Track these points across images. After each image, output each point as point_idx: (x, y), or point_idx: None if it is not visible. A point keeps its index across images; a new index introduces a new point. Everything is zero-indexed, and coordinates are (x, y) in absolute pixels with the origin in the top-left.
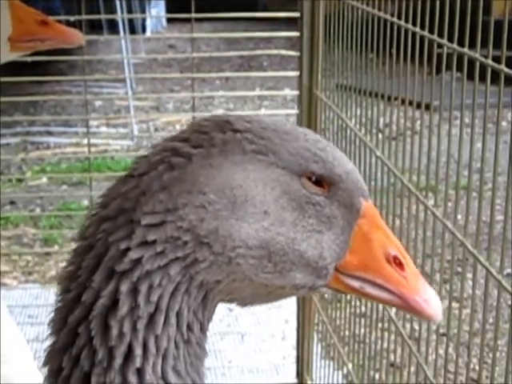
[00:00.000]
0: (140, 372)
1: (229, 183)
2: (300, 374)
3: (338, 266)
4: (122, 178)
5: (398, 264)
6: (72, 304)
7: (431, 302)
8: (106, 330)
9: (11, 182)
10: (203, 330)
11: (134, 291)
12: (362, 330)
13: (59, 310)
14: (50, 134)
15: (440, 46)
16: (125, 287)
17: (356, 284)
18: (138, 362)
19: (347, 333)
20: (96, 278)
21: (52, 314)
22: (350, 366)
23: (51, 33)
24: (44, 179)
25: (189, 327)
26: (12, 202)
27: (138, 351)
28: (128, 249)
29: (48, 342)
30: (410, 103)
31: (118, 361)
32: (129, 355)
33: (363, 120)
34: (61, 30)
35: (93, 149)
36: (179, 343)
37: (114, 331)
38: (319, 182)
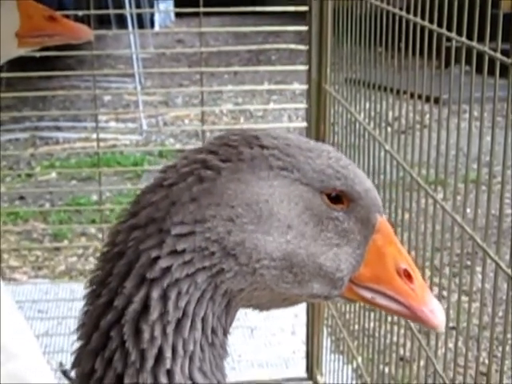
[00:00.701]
0: (170, 373)
1: (256, 198)
2: (310, 369)
3: (352, 277)
4: (151, 186)
5: (407, 276)
6: (103, 309)
7: (437, 312)
8: (137, 334)
9: (20, 177)
10: (225, 333)
11: (164, 297)
12: (372, 324)
13: (89, 314)
14: (58, 129)
15: (449, 39)
16: (156, 294)
17: (368, 295)
18: (167, 364)
19: (357, 327)
20: (127, 284)
21: (81, 318)
22: (360, 359)
23: (59, 28)
24: (53, 174)
25: (213, 331)
26: (21, 197)
27: (168, 353)
28: (158, 257)
29: (77, 345)
30: (419, 97)
31: (150, 362)
32: (159, 357)
33: (372, 114)
34: (69, 26)
35: (102, 144)
36: (204, 346)
37: (146, 335)
38: (339, 198)
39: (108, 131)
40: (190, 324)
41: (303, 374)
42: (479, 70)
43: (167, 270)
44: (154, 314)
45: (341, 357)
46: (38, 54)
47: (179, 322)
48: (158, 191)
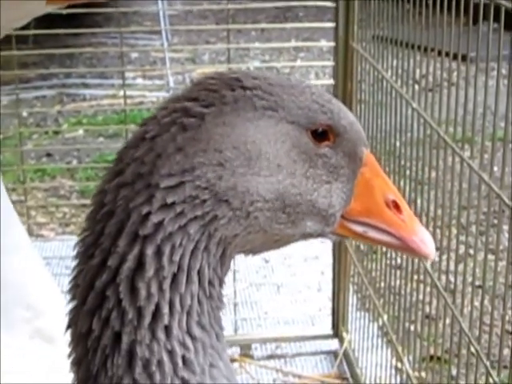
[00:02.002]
0: (167, 328)
1: (243, 140)
2: (335, 326)
3: (343, 212)
4: (133, 141)
5: (396, 207)
6: (97, 269)
7: (427, 241)
8: (133, 292)
9: (48, 134)
10: (221, 284)
11: (158, 253)
12: (398, 282)
13: (83, 275)
14: (86, 86)
15: None
16: (150, 250)
17: (359, 229)
18: (165, 320)
19: (383, 284)
20: (120, 243)
21: (73, 279)
22: (386, 317)
23: None
24: (80, 131)
25: (210, 283)
26: (49, 155)
27: (165, 310)
28: (149, 213)
29: (70, 305)
30: (447, 54)
31: (147, 319)
32: (156, 314)
33: (399, 71)
34: None
35: (129, 101)
36: (202, 299)
37: (143, 292)
38: (324, 134)
39: (135, 88)
40: (186, 278)
41: (329, 331)
42: (507, 28)
43: (159, 224)
44: (150, 270)
45: (366, 314)
46: (65, 11)
47: (175, 277)
48: (141, 145)
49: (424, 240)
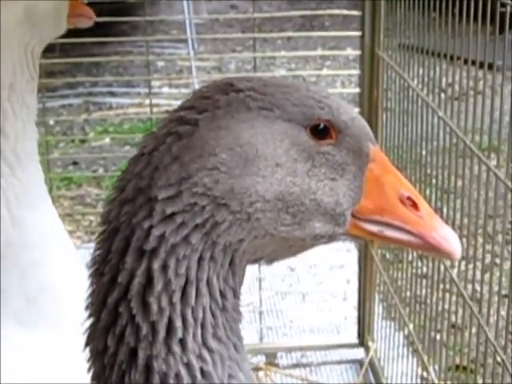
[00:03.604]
0: (182, 342)
1: (238, 141)
2: (361, 335)
3: (354, 211)
4: (134, 157)
5: (413, 205)
6: (108, 286)
7: (449, 238)
8: (145, 307)
9: (74, 142)
10: (236, 295)
11: (164, 267)
12: (424, 291)
13: (96, 292)
14: (112, 94)
15: (503, 5)
16: (156, 264)
17: (374, 228)
18: (179, 333)
19: (408, 293)
20: (128, 259)
21: (88, 296)
22: (411, 326)
23: (82, 10)
24: (107, 140)
25: (222, 295)
26: (75, 163)
27: (178, 323)
28: (151, 227)
29: (87, 324)
30: (473, 63)
31: (162, 334)
32: (170, 328)
33: (425, 80)
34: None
35: (155, 109)
36: (215, 311)
37: (154, 307)
38: (325, 132)
39: (161, 97)
40: (196, 290)
41: (354, 340)
42: None
43: (162, 237)
44: (159, 285)
45: (392, 323)
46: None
47: (184, 290)
48: (139, 161)
49: (445, 236)
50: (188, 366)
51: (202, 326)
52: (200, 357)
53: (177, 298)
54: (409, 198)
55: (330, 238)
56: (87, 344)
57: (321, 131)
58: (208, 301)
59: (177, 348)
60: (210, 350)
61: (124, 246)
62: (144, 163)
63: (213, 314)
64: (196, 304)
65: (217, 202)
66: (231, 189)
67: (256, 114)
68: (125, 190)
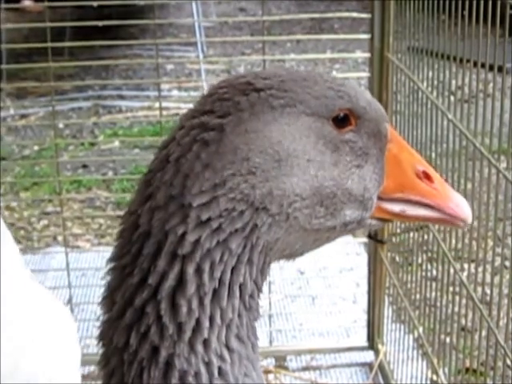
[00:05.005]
0: (206, 342)
1: (269, 143)
2: (370, 338)
3: (378, 193)
4: (158, 164)
5: (427, 177)
6: (137, 287)
7: (462, 205)
8: (174, 309)
9: (83, 145)
10: (259, 295)
11: (199, 271)
12: (433, 294)
13: (121, 292)
14: (121, 97)
15: None
16: (191, 269)
17: (397, 208)
18: (205, 334)
19: (418, 296)
20: (160, 262)
21: (107, 294)
22: (421, 329)
23: None
24: (116, 143)
25: (251, 296)
26: (84, 166)
27: (206, 324)
28: (185, 233)
29: (104, 319)
30: (483, 65)
31: (188, 334)
32: (196, 328)
33: (435, 82)
34: None
35: (164, 112)
36: (242, 312)
37: (184, 309)
38: (345, 120)
39: (170, 100)
40: (228, 292)
41: (364, 343)
42: None
43: (197, 243)
44: (191, 288)
45: (402, 326)
46: (100, 24)
47: (216, 292)
48: (167, 169)
49: (459, 204)
50: (208, 364)
51: (228, 327)
52: (220, 356)
53: (208, 299)
54: (423, 172)
55: (359, 224)
56: (101, 339)
57: (341, 120)
58: (238, 302)
59: (200, 347)
60: (230, 350)
61: (156, 249)
62: (173, 171)
63: (239, 315)
64: (227, 305)
65: (255, 207)
66: (269, 192)
67: (280, 112)
68: (155, 198)
